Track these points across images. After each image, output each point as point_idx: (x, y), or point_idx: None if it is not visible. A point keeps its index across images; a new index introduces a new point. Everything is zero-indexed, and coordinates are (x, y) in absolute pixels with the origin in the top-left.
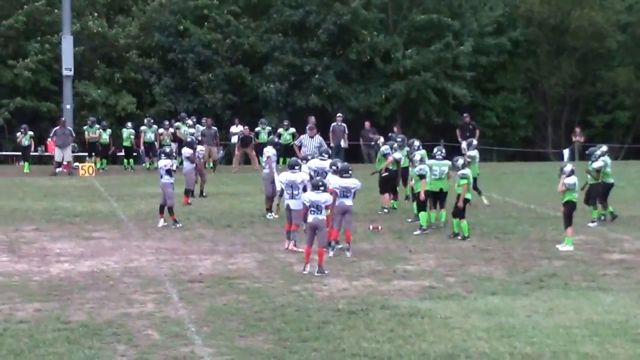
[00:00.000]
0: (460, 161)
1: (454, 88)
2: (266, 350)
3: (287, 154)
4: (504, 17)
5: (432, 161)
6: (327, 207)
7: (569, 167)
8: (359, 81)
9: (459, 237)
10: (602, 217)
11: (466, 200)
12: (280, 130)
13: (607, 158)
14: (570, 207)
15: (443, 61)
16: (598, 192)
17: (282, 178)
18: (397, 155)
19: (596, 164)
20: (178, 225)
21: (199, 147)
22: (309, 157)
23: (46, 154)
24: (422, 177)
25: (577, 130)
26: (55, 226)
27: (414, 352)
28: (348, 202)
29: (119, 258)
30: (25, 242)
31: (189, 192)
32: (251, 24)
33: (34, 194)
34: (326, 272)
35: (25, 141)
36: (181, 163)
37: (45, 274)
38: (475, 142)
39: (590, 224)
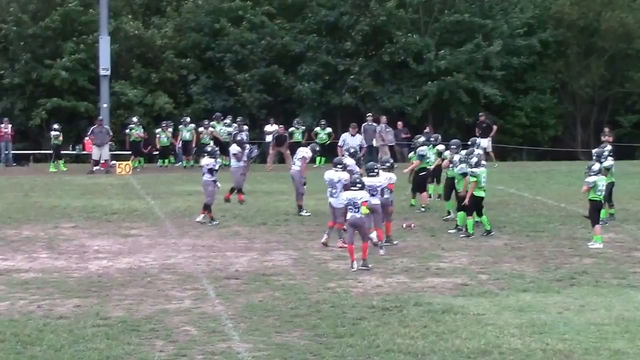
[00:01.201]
0: (474, 159)
1: (484, 88)
2: (302, 346)
3: (325, 153)
4: (533, 19)
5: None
6: (363, 204)
7: (596, 167)
8: (391, 81)
9: (462, 235)
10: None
11: (480, 198)
12: (317, 129)
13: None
14: (593, 205)
15: (474, 62)
16: (609, 192)
17: (325, 176)
18: (423, 151)
19: (607, 163)
20: (214, 223)
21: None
22: (351, 150)
23: (84, 152)
24: (465, 175)
25: (606, 130)
26: (93, 223)
27: (447, 348)
28: (374, 200)
29: (157, 255)
30: (64, 239)
31: (233, 190)
32: (285, 25)
33: (72, 192)
34: (370, 266)
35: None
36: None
37: (84, 270)
38: (486, 142)
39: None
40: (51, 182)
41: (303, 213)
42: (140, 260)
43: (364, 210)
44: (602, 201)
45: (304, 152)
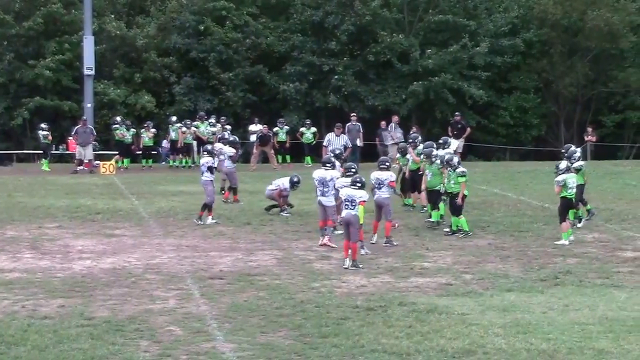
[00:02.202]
0: (456, 159)
1: (470, 88)
2: (287, 346)
3: (311, 152)
4: (517, 19)
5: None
6: (361, 203)
7: (563, 164)
8: (376, 81)
9: (461, 235)
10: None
11: (464, 197)
12: (303, 129)
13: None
14: (563, 203)
15: (459, 62)
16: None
17: (315, 175)
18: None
19: (577, 164)
20: (214, 222)
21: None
22: (337, 151)
23: (67, 152)
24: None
25: (589, 129)
26: (77, 223)
27: (432, 348)
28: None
29: (141, 255)
30: (48, 239)
31: (233, 190)
32: (270, 24)
33: (55, 192)
34: (360, 266)
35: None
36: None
37: (68, 270)
38: (460, 142)
39: (579, 224)
40: (35, 182)
41: (284, 214)
42: (125, 260)
43: (361, 210)
44: (573, 200)
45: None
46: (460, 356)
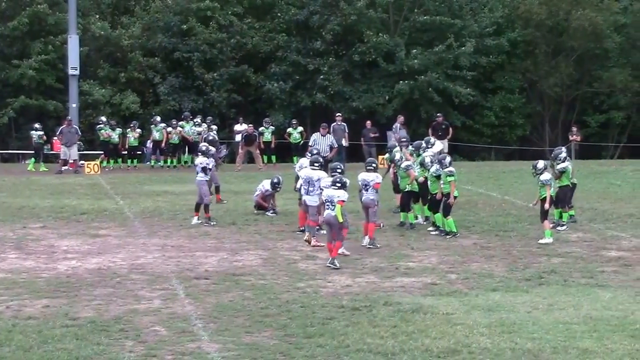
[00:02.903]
0: (448, 159)
1: (456, 88)
2: (272, 346)
3: (299, 152)
4: (502, 19)
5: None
6: (339, 203)
7: (541, 164)
8: (362, 81)
9: (449, 236)
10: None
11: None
12: (290, 129)
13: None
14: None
15: (445, 62)
16: (566, 195)
17: (302, 173)
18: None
19: (560, 166)
20: (212, 224)
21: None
22: (314, 151)
23: (52, 152)
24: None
25: (574, 129)
26: (62, 224)
27: (417, 347)
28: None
29: (126, 255)
30: (33, 239)
31: (216, 189)
32: (255, 24)
33: (40, 192)
34: (337, 265)
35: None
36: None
37: (53, 270)
38: (441, 143)
39: (560, 228)
40: (19, 182)
41: (269, 213)
42: (110, 261)
43: (338, 210)
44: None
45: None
46: (445, 356)
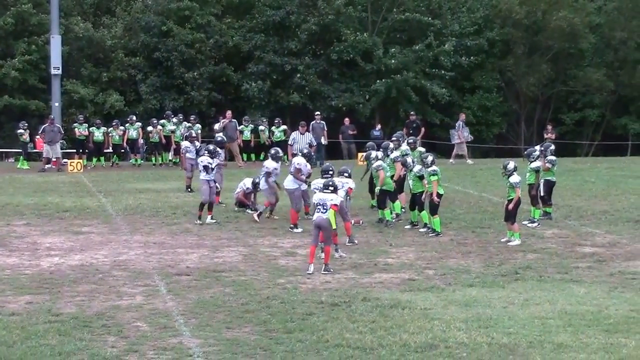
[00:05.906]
0: (430, 158)
1: (432, 87)
2: (252, 341)
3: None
4: (481, 19)
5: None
6: (332, 207)
7: (511, 165)
8: (340, 80)
9: (431, 234)
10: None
11: (439, 196)
12: (273, 128)
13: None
14: (516, 203)
15: (423, 60)
16: (551, 189)
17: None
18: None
19: (534, 164)
20: (213, 222)
21: (184, 144)
22: (304, 150)
23: (35, 150)
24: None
25: (549, 127)
26: (45, 221)
27: (395, 342)
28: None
29: (108, 252)
30: (16, 236)
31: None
32: (234, 24)
33: (23, 190)
34: (331, 270)
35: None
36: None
37: (36, 267)
38: (416, 140)
39: (530, 225)
40: (2, 180)
41: (249, 211)
42: (92, 257)
43: (332, 215)
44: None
45: (298, 161)
46: (422, 350)
